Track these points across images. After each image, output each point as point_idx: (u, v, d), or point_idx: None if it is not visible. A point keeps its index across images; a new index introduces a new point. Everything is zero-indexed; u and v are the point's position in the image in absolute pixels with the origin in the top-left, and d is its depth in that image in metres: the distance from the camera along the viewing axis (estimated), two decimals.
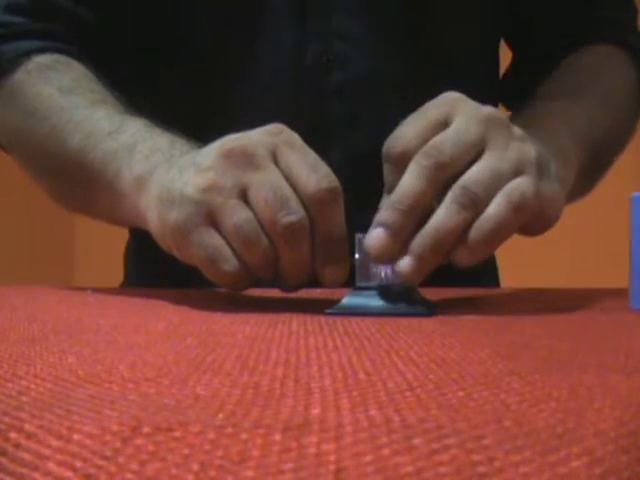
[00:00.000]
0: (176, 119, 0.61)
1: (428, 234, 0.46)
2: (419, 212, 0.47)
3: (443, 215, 0.46)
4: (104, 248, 0.85)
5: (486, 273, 0.82)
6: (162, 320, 0.44)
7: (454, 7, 0.74)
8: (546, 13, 0.82)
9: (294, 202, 0.47)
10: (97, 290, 0.65)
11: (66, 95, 0.67)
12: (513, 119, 0.59)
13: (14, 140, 0.74)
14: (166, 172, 0.52)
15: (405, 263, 0.46)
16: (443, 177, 0.47)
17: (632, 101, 0.79)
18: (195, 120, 0.64)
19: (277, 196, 0.47)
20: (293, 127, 0.51)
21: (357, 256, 0.49)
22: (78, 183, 0.65)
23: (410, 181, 0.47)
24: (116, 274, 0.93)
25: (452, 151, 0.47)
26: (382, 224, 0.47)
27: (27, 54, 0.70)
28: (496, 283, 0.86)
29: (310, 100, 0.72)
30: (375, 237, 0.47)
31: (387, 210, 0.47)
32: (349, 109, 0.72)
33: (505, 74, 0.85)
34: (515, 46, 0.85)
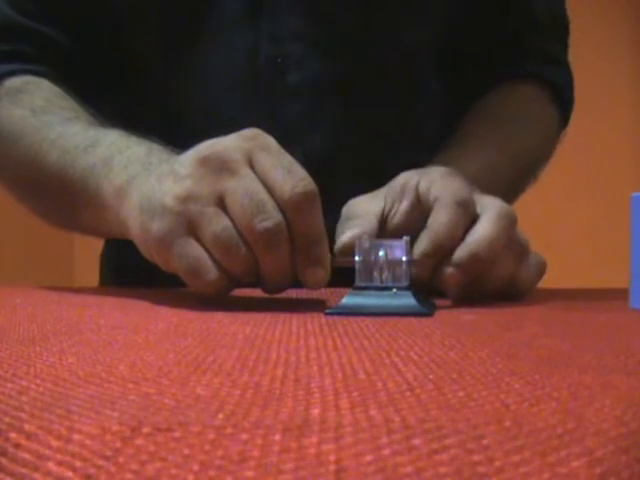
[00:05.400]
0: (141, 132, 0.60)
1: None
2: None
3: (484, 228, 0.52)
4: None
5: None
6: (162, 320, 0.44)
7: (407, 8, 0.74)
8: (478, 42, 0.82)
9: (270, 207, 0.47)
10: (97, 290, 0.65)
11: (39, 115, 0.66)
12: (435, 161, 0.65)
13: None
14: (145, 181, 0.52)
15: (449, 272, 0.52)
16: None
17: (546, 147, 0.82)
18: (155, 129, 0.63)
19: (253, 202, 0.47)
20: None
21: (357, 257, 0.49)
22: (60, 200, 0.65)
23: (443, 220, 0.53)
24: None
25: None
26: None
27: None
28: None
29: (266, 103, 0.71)
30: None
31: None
32: (306, 110, 0.72)
33: None
34: (449, 74, 0.85)
